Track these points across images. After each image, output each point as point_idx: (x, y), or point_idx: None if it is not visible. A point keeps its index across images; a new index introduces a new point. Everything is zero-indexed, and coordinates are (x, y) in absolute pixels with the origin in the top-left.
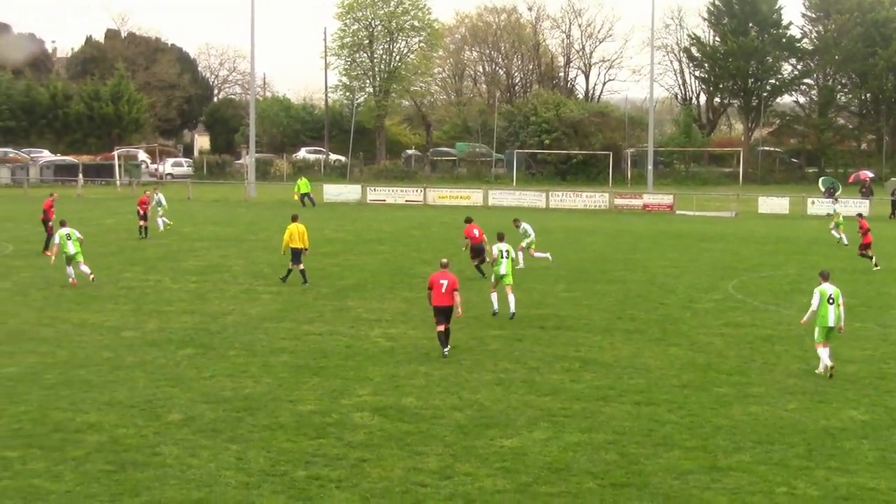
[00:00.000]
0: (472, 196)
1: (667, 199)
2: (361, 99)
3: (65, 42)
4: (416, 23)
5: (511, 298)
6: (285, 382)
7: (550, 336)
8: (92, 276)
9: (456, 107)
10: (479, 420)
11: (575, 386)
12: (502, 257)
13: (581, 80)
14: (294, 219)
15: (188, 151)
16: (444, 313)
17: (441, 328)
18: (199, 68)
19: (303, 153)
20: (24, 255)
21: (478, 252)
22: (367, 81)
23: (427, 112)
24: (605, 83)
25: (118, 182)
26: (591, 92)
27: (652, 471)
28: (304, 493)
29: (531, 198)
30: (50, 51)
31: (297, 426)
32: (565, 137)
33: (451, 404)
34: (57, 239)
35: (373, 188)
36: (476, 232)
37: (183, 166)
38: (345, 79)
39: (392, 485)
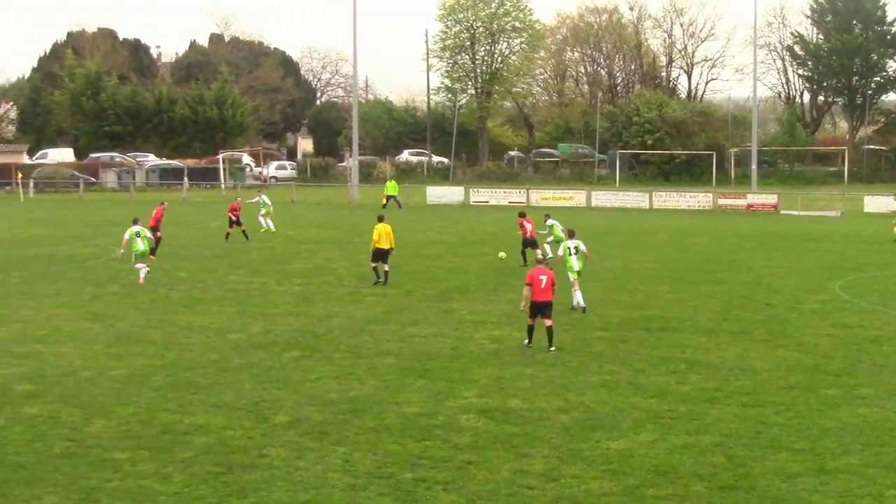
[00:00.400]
0: (574, 197)
1: (771, 198)
2: (463, 101)
3: (169, 47)
4: (517, 24)
5: (579, 293)
6: (391, 384)
7: (656, 338)
8: (147, 270)
9: (558, 108)
10: (585, 422)
11: (681, 388)
12: (570, 254)
13: (683, 79)
14: (380, 219)
15: (292, 154)
16: (543, 309)
17: (532, 322)
18: (302, 71)
19: (405, 155)
20: (131, 259)
21: (528, 244)
22: (469, 83)
23: (529, 113)
24: (707, 82)
25: (223, 185)
26: (694, 91)
27: (759, 473)
28: (411, 495)
29: (634, 198)
30: (155, 56)
31: (403, 428)
32: (668, 137)
33: (556, 406)
34: (126, 235)
35: (476, 190)
36: (528, 226)
37: (286, 169)
38: (447, 81)
39: (498, 487)
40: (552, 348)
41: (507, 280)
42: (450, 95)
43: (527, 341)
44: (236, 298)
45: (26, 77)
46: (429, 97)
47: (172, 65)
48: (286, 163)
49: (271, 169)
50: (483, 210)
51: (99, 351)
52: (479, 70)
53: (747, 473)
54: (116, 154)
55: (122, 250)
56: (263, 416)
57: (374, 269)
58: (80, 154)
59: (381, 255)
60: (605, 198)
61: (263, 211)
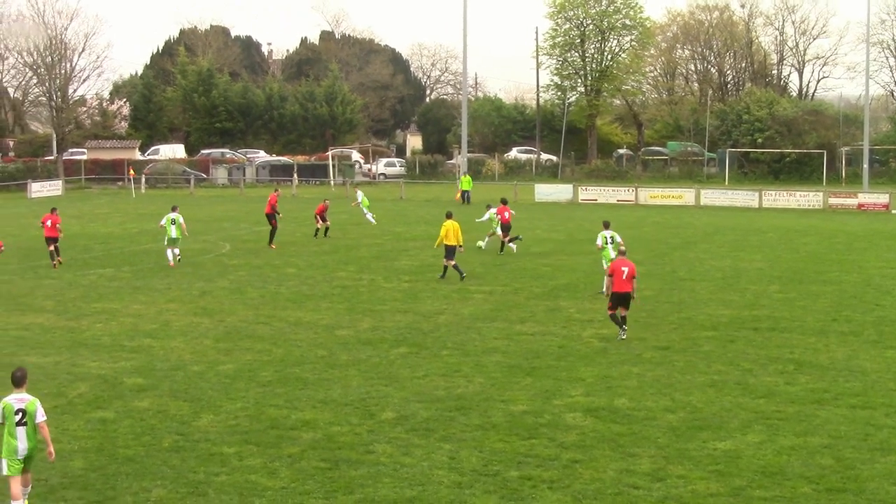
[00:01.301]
0: (683, 195)
1: (882, 198)
2: (573, 98)
3: (281, 44)
4: (627, 21)
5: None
6: (497, 382)
7: (764, 338)
8: (178, 258)
9: (667, 105)
10: (692, 422)
11: (789, 388)
12: (607, 243)
13: (794, 77)
14: (448, 216)
15: (401, 151)
16: (623, 299)
17: (613, 312)
18: (412, 69)
19: (514, 153)
20: (240, 254)
21: (506, 230)
22: (579, 81)
23: (638, 111)
24: (818, 80)
25: (332, 182)
26: (805, 89)
27: (868, 476)
28: (517, 493)
29: (743, 197)
30: (266, 53)
31: (510, 426)
32: (778, 136)
33: (663, 406)
34: (163, 221)
35: (584, 188)
36: (507, 214)
37: (395, 166)
38: (556, 78)
39: (604, 486)
40: (623, 334)
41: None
42: (559, 93)
43: (621, 334)
44: (344, 295)
45: (139, 74)
46: (538, 94)
47: (283, 62)
48: (395, 160)
49: (380, 166)
50: (591, 208)
51: (208, 346)
52: (588, 68)
53: (856, 476)
54: (227, 150)
55: (161, 224)
56: (370, 412)
57: (446, 266)
58: (191, 150)
59: (449, 252)
60: (714, 196)
61: (363, 206)
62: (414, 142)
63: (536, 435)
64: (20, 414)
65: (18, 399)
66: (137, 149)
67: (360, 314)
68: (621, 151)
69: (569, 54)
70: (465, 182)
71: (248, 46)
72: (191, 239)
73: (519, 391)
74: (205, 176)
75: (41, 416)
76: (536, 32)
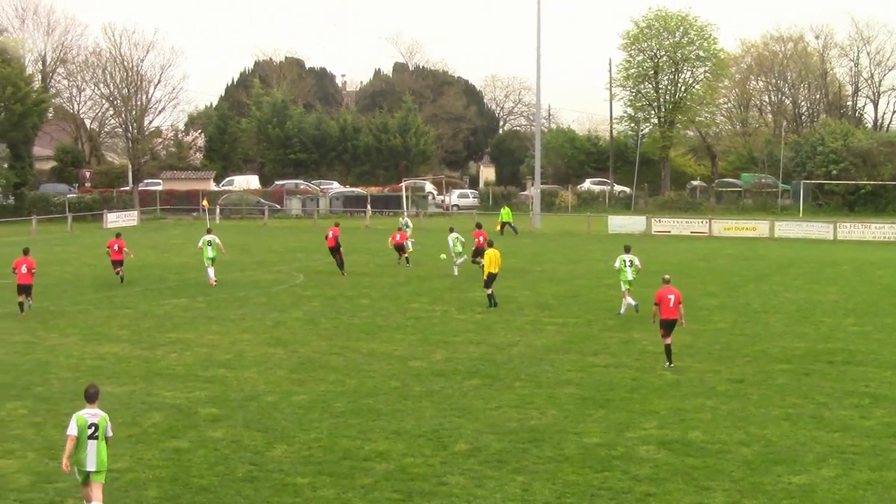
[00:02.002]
0: (757, 227)
1: None
2: (646, 130)
3: (355, 76)
4: (701, 52)
5: (630, 299)
6: (571, 414)
7: (839, 371)
8: (213, 282)
9: (741, 137)
10: (767, 456)
11: (865, 422)
12: (626, 266)
13: (870, 108)
14: (489, 245)
15: (474, 183)
16: (670, 326)
17: (668, 341)
18: (485, 100)
19: (587, 184)
20: (314, 285)
21: (478, 253)
22: (652, 112)
23: (712, 142)
24: (894, 112)
25: (405, 213)
26: (881, 121)
27: None
28: None
29: (818, 229)
30: (340, 84)
31: (583, 459)
32: (853, 167)
33: (737, 439)
34: (200, 243)
35: (657, 219)
36: (481, 238)
37: (469, 197)
38: (629, 110)
39: None
40: (670, 364)
41: (688, 311)
42: (632, 124)
43: (668, 363)
44: (418, 326)
45: (214, 105)
46: (612, 126)
47: (357, 93)
48: (468, 191)
49: (454, 197)
50: (664, 240)
51: (282, 376)
52: (662, 99)
53: None
54: (301, 181)
55: (199, 245)
56: (443, 443)
57: (489, 295)
58: (265, 181)
59: (491, 280)
60: (788, 228)
61: (408, 232)
62: (487, 173)
63: (610, 467)
64: (93, 428)
65: (92, 414)
66: (212, 179)
67: (433, 345)
68: (695, 183)
69: (642, 86)
70: (506, 214)
71: (323, 78)
72: (264, 269)
73: (592, 423)
74: (279, 207)
75: (110, 432)
76: (610, 64)
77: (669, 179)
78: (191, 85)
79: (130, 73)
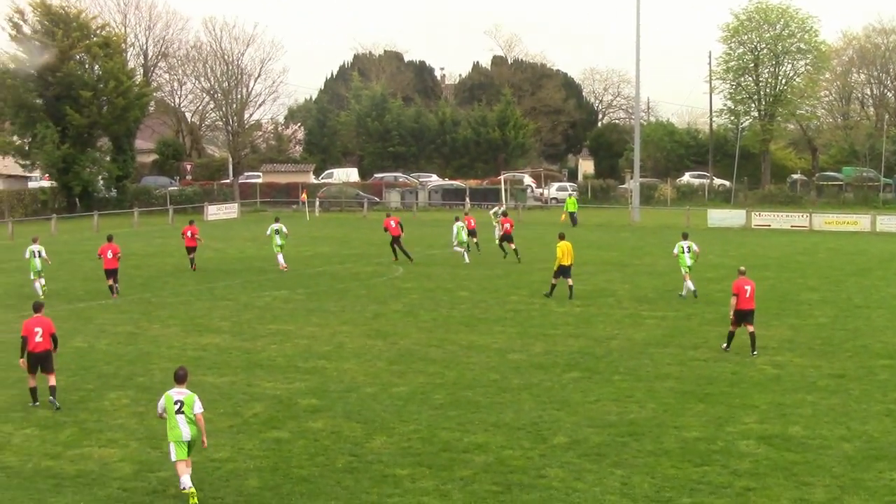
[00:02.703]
0: (859, 221)
1: None
2: (746, 123)
3: (453, 69)
4: (802, 45)
5: (690, 283)
6: (670, 408)
7: None
8: (285, 267)
9: (842, 130)
10: (868, 452)
11: None
12: (684, 252)
13: None
14: (561, 237)
15: (573, 176)
16: (747, 316)
17: (735, 329)
18: (584, 93)
19: (687, 178)
20: (413, 278)
21: (505, 238)
22: (752, 105)
23: (813, 136)
24: None
25: (503, 206)
26: None
27: None
28: None
29: None
30: (439, 78)
31: (682, 453)
32: None
33: (838, 435)
34: (269, 231)
35: (757, 213)
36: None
37: (567, 190)
38: (729, 103)
39: None
40: (754, 352)
41: (789, 305)
42: (732, 118)
43: (725, 346)
44: (517, 318)
45: (313, 99)
46: (711, 119)
47: (456, 86)
48: (567, 184)
49: (552, 190)
50: (764, 234)
51: (381, 368)
52: (762, 92)
53: None
54: (400, 174)
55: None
56: (542, 436)
57: (553, 284)
58: (364, 174)
59: (564, 271)
60: (890, 223)
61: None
62: (586, 166)
63: (709, 462)
64: (178, 404)
65: (178, 392)
66: (311, 172)
67: (532, 338)
68: (795, 177)
69: (742, 78)
70: (571, 204)
71: (421, 71)
72: (364, 262)
73: (692, 417)
74: (378, 199)
75: (199, 409)
76: (710, 57)
77: (769, 173)
78: (290, 78)
79: (231, 67)
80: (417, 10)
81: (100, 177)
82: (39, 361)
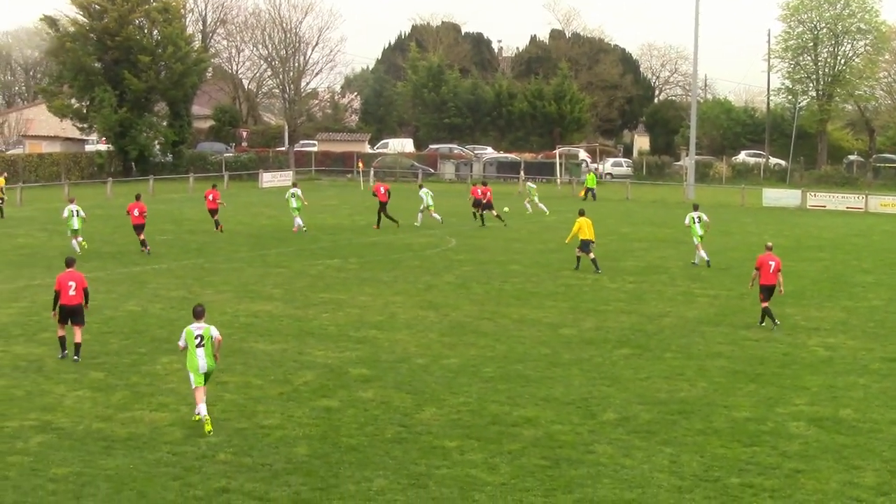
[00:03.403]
0: None
1: None
2: (804, 103)
3: (511, 42)
4: (862, 25)
5: (703, 252)
6: (721, 387)
7: None
8: (300, 229)
9: None
10: None
11: None
12: (694, 222)
13: None
14: (581, 213)
15: (628, 152)
16: (769, 291)
17: (765, 305)
18: (641, 69)
19: (742, 156)
20: (466, 250)
21: (477, 204)
22: (810, 85)
23: (871, 117)
24: None
25: (558, 180)
26: None
27: None
28: (737, 500)
29: None
30: (496, 50)
31: (732, 432)
32: None
33: (890, 418)
34: (287, 195)
35: (813, 193)
36: (479, 191)
37: (622, 166)
38: (787, 82)
39: (826, 498)
40: (777, 323)
41: (842, 287)
42: (790, 97)
43: (762, 321)
44: (569, 294)
45: (370, 68)
46: (768, 98)
47: (513, 59)
48: (622, 160)
49: (607, 166)
50: (819, 214)
51: (433, 339)
52: (821, 72)
53: None
54: (455, 146)
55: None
56: (592, 412)
57: (578, 257)
58: (419, 144)
59: (584, 246)
60: None
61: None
62: (641, 142)
63: (759, 442)
64: (199, 338)
65: (198, 327)
66: (367, 142)
67: (583, 314)
68: (852, 158)
69: (801, 58)
70: (591, 180)
71: (479, 43)
72: (418, 233)
73: (742, 397)
74: (432, 171)
75: (216, 333)
76: (769, 35)
77: (826, 153)
78: (348, 47)
79: (289, 35)
80: None
81: (156, 141)
82: (71, 314)
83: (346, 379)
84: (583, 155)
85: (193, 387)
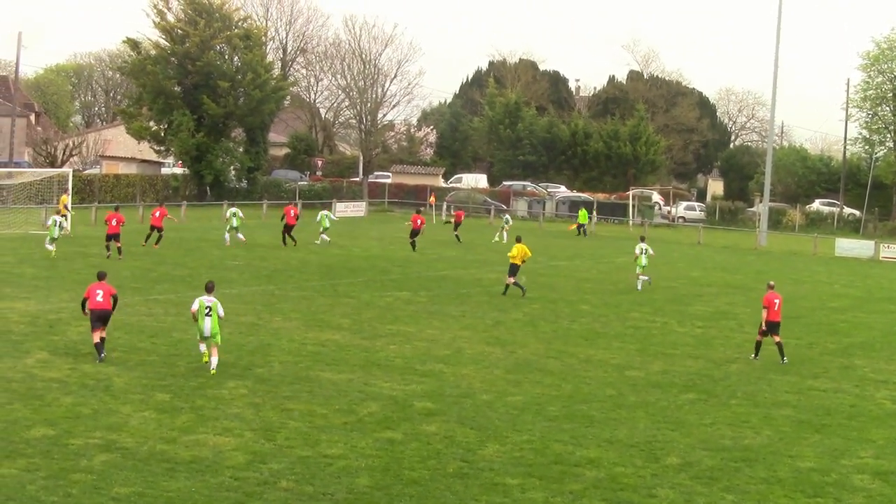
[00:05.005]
0: None
1: None
2: (881, 153)
3: (588, 81)
4: None
5: (645, 277)
6: (786, 436)
7: None
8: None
9: None
10: None
11: None
12: (642, 253)
13: None
14: (518, 240)
15: (701, 196)
16: (774, 327)
17: (763, 338)
18: (718, 113)
19: (816, 204)
20: (535, 288)
21: (414, 234)
22: (888, 136)
23: None
24: None
25: (631, 222)
26: None
27: None
28: None
29: None
30: (573, 89)
31: (795, 482)
32: None
33: None
34: (228, 214)
35: (886, 245)
36: (418, 221)
37: (695, 210)
38: (864, 132)
39: None
40: (784, 360)
41: None
42: (866, 147)
43: (754, 356)
44: (637, 336)
45: (447, 102)
46: (845, 147)
47: (590, 99)
48: (695, 203)
49: (680, 209)
50: (892, 266)
51: (498, 375)
52: None
53: None
54: (529, 183)
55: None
56: (655, 455)
57: (507, 284)
58: (493, 181)
59: (513, 270)
60: None
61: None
62: (715, 187)
63: (822, 494)
64: (208, 309)
65: (209, 299)
66: (441, 176)
67: (651, 356)
68: None
69: (879, 108)
70: (583, 216)
71: (556, 81)
72: (487, 268)
73: (807, 447)
74: (505, 207)
75: (222, 312)
76: (847, 84)
77: None
78: (426, 81)
79: (368, 66)
80: (557, 21)
81: (232, 167)
82: (100, 318)
83: (411, 412)
84: (656, 197)
85: (199, 339)
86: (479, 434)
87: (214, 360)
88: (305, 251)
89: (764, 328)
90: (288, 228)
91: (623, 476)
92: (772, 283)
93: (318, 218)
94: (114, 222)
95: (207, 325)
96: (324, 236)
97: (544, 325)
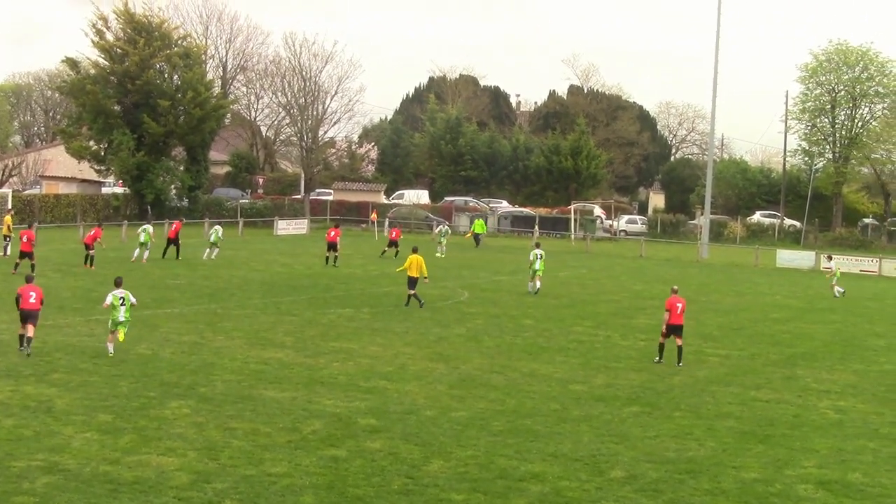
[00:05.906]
0: None
1: None
2: (820, 165)
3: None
4: (880, 89)
5: (538, 283)
6: (729, 448)
7: None
8: (135, 261)
9: None
10: None
11: None
12: (537, 258)
13: None
14: (414, 251)
15: (643, 209)
16: (676, 330)
17: (665, 340)
18: (658, 127)
19: (757, 216)
20: (478, 303)
21: (331, 247)
22: (827, 147)
23: (887, 181)
24: None
25: (572, 236)
26: None
27: None
28: None
29: None
30: (514, 104)
31: (740, 493)
32: None
33: None
34: (140, 230)
35: (826, 255)
36: (332, 233)
37: (637, 223)
38: (804, 144)
39: None
40: (680, 364)
41: (854, 350)
42: (806, 158)
43: (658, 358)
44: (580, 349)
45: (388, 119)
46: (785, 159)
47: (531, 114)
48: (637, 217)
49: (622, 222)
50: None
51: (442, 391)
52: (837, 134)
53: None
54: (471, 198)
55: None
56: (600, 469)
57: (409, 295)
58: (435, 196)
59: (411, 283)
60: None
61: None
62: (656, 200)
63: None
64: (121, 300)
65: (120, 292)
66: (382, 192)
67: (594, 370)
68: (867, 221)
69: (818, 120)
70: (479, 226)
71: (497, 97)
72: (429, 285)
73: (751, 458)
74: (447, 223)
75: (134, 300)
76: (786, 96)
77: (841, 216)
78: (367, 98)
79: (308, 84)
80: (495, 37)
81: (172, 186)
82: (30, 317)
83: (355, 429)
84: (597, 211)
85: (110, 330)
86: (424, 450)
87: (111, 347)
88: (247, 269)
89: (664, 330)
90: (170, 242)
91: (568, 490)
92: (675, 287)
93: (211, 232)
94: (24, 238)
95: (122, 314)
96: (210, 251)
97: (488, 339)
